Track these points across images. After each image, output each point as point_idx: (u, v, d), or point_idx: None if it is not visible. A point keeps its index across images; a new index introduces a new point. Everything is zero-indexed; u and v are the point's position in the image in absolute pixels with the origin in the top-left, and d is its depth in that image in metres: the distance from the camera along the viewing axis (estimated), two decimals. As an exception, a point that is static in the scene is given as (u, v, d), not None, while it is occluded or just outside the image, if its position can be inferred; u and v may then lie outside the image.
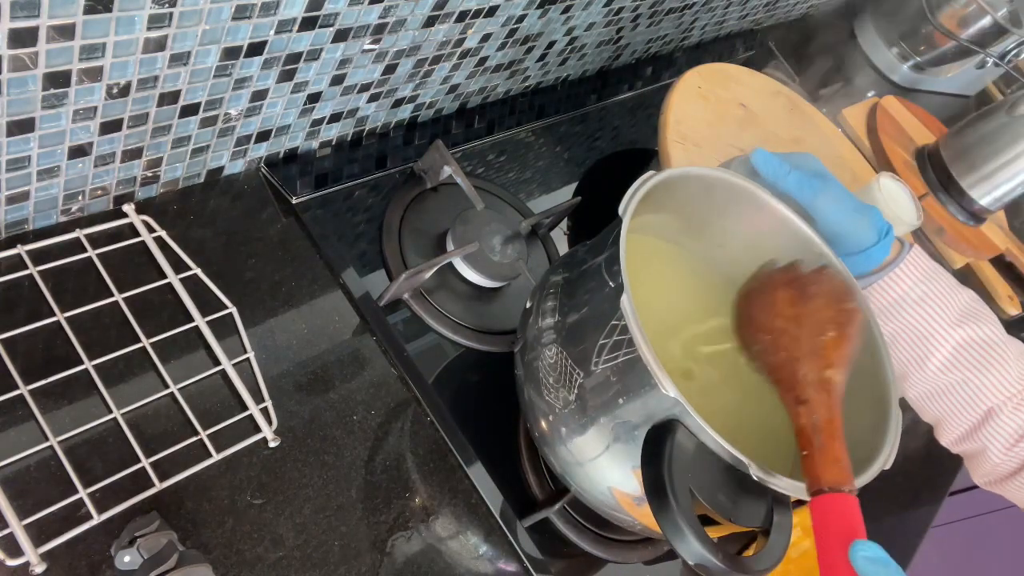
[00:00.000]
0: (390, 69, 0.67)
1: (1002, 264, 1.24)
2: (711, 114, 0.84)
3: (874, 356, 0.55)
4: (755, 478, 0.43)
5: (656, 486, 0.42)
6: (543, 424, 0.54)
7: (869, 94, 1.37)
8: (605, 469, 0.50)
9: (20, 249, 0.54)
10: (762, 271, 0.55)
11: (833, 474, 0.44)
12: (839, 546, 0.41)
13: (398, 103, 0.74)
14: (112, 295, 0.55)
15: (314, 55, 0.58)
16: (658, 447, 0.43)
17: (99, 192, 0.57)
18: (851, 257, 0.60)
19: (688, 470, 0.43)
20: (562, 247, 0.81)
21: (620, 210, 0.51)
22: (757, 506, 0.45)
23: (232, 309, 0.59)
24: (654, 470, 0.43)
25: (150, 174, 0.59)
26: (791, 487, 0.44)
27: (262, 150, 0.66)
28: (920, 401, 0.64)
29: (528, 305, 0.58)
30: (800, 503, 0.46)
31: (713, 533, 0.44)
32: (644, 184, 0.52)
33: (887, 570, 0.39)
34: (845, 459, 0.44)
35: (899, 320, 0.61)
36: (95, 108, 0.49)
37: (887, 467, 0.48)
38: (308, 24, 0.54)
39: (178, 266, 0.59)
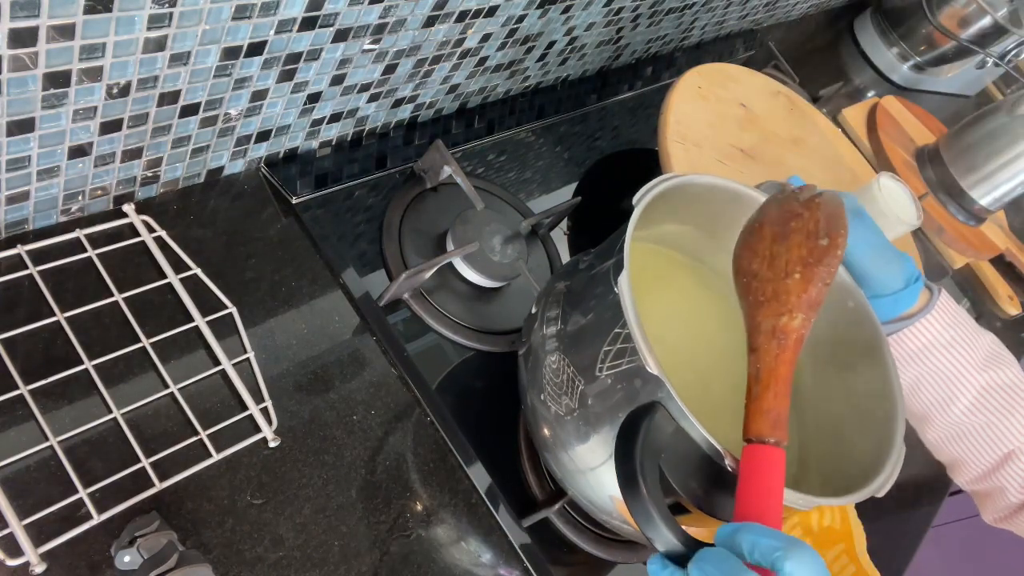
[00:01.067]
0: (390, 69, 0.67)
1: (1002, 264, 1.24)
2: (711, 114, 0.84)
3: (884, 386, 0.55)
4: (730, 469, 0.43)
5: (626, 457, 0.42)
6: (545, 430, 0.54)
7: (869, 94, 1.37)
8: (606, 478, 0.50)
9: (20, 249, 0.54)
10: (766, 201, 0.51)
11: (759, 425, 0.42)
12: (757, 497, 0.41)
13: (398, 103, 0.74)
14: (112, 295, 0.55)
15: (314, 55, 0.58)
16: (635, 425, 0.43)
17: (99, 192, 0.57)
18: (876, 300, 0.59)
19: (662, 450, 0.43)
20: (562, 247, 0.81)
21: (635, 200, 0.51)
22: (730, 500, 0.45)
23: (232, 309, 0.59)
24: (627, 444, 0.42)
25: (150, 174, 0.59)
26: None
27: (262, 150, 0.66)
28: (940, 443, 0.64)
29: (533, 311, 0.58)
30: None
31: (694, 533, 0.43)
32: (660, 184, 0.52)
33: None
34: (776, 410, 0.43)
35: (926, 364, 0.60)
36: (95, 108, 0.49)
37: (879, 495, 0.48)
38: (308, 24, 0.54)
39: (178, 266, 0.59)
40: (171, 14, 0.46)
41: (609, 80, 1.02)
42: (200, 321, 0.57)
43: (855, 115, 1.22)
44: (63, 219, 0.57)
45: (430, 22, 0.64)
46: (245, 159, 0.66)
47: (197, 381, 0.55)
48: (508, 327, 0.71)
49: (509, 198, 0.79)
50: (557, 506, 0.62)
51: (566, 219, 0.83)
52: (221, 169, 0.65)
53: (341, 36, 0.58)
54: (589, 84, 1.00)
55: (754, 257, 0.48)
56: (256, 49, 0.54)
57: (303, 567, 0.52)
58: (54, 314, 0.53)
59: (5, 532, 0.45)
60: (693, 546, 0.40)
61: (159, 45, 0.48)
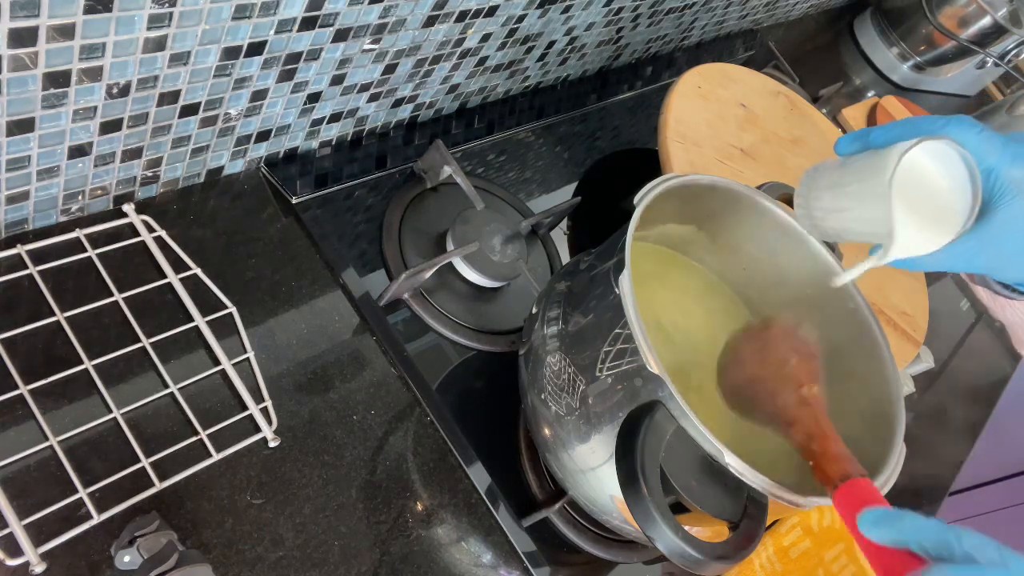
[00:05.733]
0: (390, 69, 0.67)
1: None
2: (711, 114, 0.84)
3: (884, 387, 0.56)
4: (726, 464, 0.43)
5: (627, 457, 0.42)
6: (546, 430, 0.54)
7: (869, 94, 1.37)
8: (606, 478, 0.50)
9: (20, 249, 0.54)
10: (727, 343, 0.55)
11: (838, 468, 0.44)
12: None
13: (398, 103, 0.74)
14: (112, 295, 0.55)
15: (314, 55, 0.58)
16: (636, 424, 0.44)
17: (99, 192, 0.57)
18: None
19: (662, 450, 0.43)
20: (562, 247, 0.81)
21: (635, 200, 0.51)
22: (730, 500, 0.45)
23: (232, 309, 0.59)
24: (628, 444, 0.43)
25: (150, 174, 0.59)
26: (764, 483, 0.44)
27: (262, 150, 0.66)
28: None
29: (534, 311, 0.58)
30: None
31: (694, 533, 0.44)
32: (661, 184, 0.53)
33: (897, 523, 0.38)
34: (845, 452, 0.45)
35: None
36: (95, 108, 0.49)
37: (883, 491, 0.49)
38: (308, 24, 0.54)
39: (178, 266, 0.59)
40: (171, 14, 0.46)
41: (609, 80, 1.02)
42: (200, 321, 0.57)
43: (855, 115, 1.22)
44: (63, 219, 0.57)
45: (430, 22, 0.64)
46: (245, 159, 0.66)
47: (197, 381, 0.55)
48: (508, 327, 0.71)
49: (509, 198, 0.79)
50: (557, 506, 0.62)
51: (566, 219, 0.83)
52: (221, 169, 0.65)
53: (341, 36, 0.58)
54: (589, 84, 1.00)
55: (744, 370, 0.51)
56: (256, 49, 0.54)
57: (303, 567, 0.52)
58: (54, 314, 0.53)
59: (5, 532, 0.45)
60: (691, 545, 0.41)
61: (159, 45, 0.48)
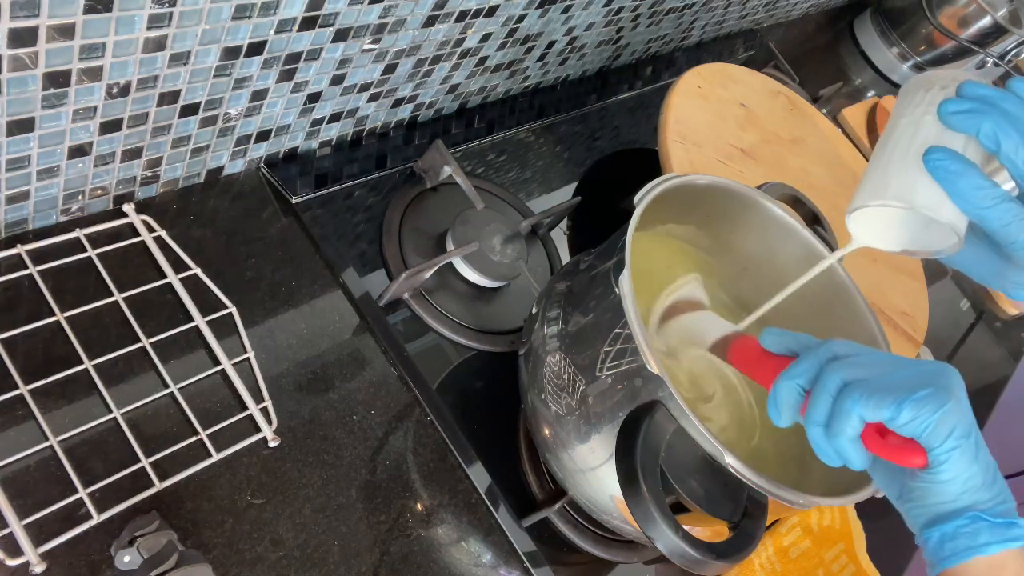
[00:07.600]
0: (390, 69, 0.67)
1: (1002, 264, 1.24)
2: (711, 114, 0.84)
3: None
4: (726, 464, 0.43)
5: (626, 457, 0.43)
6: (546, 430, 0.54)
7: (869, 94, 1.37)
8: (606, 478, 0.50)
9: (20, 249, 0.54)
10: None
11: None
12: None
13: (398, 103, 0.74)
14: (112, 295, 0.55)
15: (314, 55, 0.58)
16: (636, 424, 0.44)
17: (99, 192, 0.57)
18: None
19: (662, 449, 0.43)
20: (562, 247, 0.81)
21: (635, 200, 0.51)
22: (730, 501, 0.45)
23: (232, 309, 0.59)
24: (628, 444, 0.43)
25: (150, 174, 0.59)
26: (764, 483, 0.44)
27: (262, 150, 0.66)
28: None
29: (534, 311, 0.58)
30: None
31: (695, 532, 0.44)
32: (661, 184, 0.53)
33: (791, 336, 0.43)
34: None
35: None
36: (95, 108, 0.49)
37: (879, 495, 0.48)
38: (308, 24, 0.54)
39: (178, 266, 0.59)
40: (171, 14, 0.46)
41: (609, 80, 1.02)
42: (200, 321, 0.57)
43: (855, 115, 1.22)
44: (63, 219, 0.57)
45: (430, 22, 0.64)
46: (245, 159, 0.66)
47: (197, 381, 0.55)
48: (508, 327, 0.71)
49: (509, 198, 0.79)
50: (557, 506, 0.62)
51: (566, 219, 0.83)
52: (221, 169, 0.65)
53: (341, 36, 0.58)
54: (589, 84, 1.00)
55: None
56: (256, 49, 0.53)
57: (303, 567, 0.52)
58: (54, 314, 0.53)
59: (5, 532, 0.45)
60: (691, 546, 0.40)
61: (159, 45, 0.48)
